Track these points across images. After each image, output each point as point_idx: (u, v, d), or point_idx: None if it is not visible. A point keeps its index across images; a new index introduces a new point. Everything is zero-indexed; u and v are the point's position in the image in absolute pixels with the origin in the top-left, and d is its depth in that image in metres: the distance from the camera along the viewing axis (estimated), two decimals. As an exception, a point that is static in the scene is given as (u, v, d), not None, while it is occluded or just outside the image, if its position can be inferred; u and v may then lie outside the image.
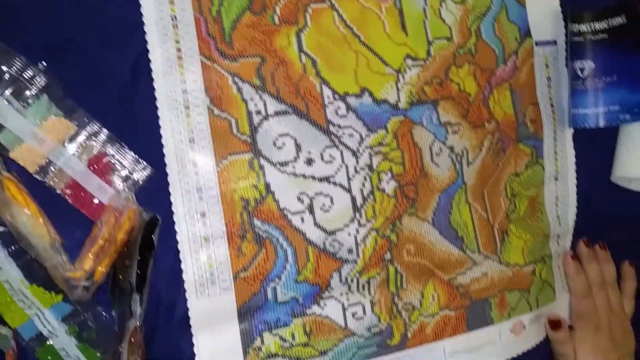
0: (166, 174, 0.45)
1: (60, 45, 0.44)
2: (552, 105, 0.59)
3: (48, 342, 0.44)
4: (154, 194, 0.46)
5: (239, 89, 0.47)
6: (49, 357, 0.44)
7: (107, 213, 0.44)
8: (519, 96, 0.57)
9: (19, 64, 0.41)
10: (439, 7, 0.54)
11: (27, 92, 0.42)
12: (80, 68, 0.45)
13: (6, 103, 0.41)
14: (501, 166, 0.56)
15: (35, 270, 0.43)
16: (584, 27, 0.57)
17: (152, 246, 0.44)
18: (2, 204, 0.41)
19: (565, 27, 0.59)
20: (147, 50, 0.45)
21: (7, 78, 0.41)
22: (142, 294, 0.43)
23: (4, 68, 0.41)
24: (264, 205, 0.47)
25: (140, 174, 0.46)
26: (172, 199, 0.45)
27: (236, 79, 0.47)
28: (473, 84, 0.55)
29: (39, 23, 0.44)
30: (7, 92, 0.41)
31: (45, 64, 0.42)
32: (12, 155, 0.42)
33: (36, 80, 0.42)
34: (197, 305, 0.45)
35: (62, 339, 0.44)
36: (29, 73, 0.42)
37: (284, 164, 0.48)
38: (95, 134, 0.44)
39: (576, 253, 0.59)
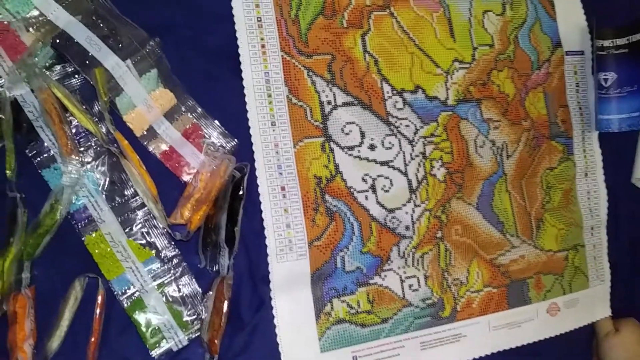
0: (251, 152, 0.58)
1: (161, 28, 0.57)
2: (580, 108, 0.74)
3: (138, 296, 0.55)
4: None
5: (313, 82, 0.61)
6: (137, 311, 0.55)
7: (202, 170, 0.56)
8: (551, 99, 0.72)
9: (141, 37, 0.54)
10: (482, 18, 0.69)
11: (144, 63, 0.54)
12: (178, 52, 0.58)
13: (127, 69, 0.53)
14: (537, 160, 0.70)
15: (133, 226, 0.55)
16: (607, 43, 0.73)
17: (242, 196, 0.56)
18: (118, 156, 0.53)
19: (591, 40, 0.74)
20: (237, 45, 0.59)
21: (131, 48, 0.53)
22: (231, 249, 0.55)
23: (129, 39, 0.53)
24: (334, 183, 0.60)
25: (228, 144, 0.58)
26: (257, 173, 0.58)
27: (311, 73, 0.61)
28: (511, 86, 0.70)
29: (143, 8, 0.57)
30: (129, 60, 0.53)
31: (159, 39, 0.56)
32: (125, 118, 0.55)
33: (152, 53, 0.55)
34: (277, 269, 0.57)
35: (151, 295, 0.55)
36: (148, 46, 0.54)
37: (350, 148, 0.62)
38: (191, 109, 0.57)
39: None
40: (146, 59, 0.54)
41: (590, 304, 0.72)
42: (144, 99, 0.53)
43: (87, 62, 0.50)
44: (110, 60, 0.51)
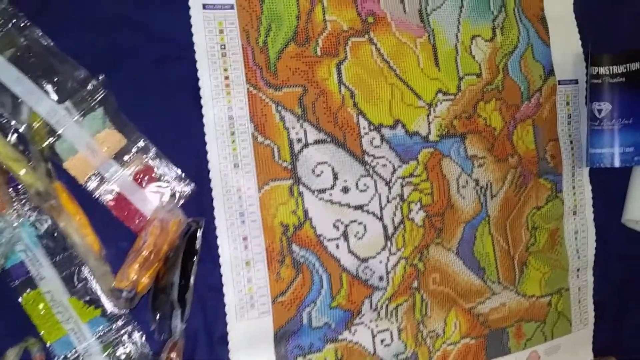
0: (210, 197, 0.54)
1: (114, 61, 0.53)
2: (571, 142, 0.70)
3: (82, 360, 0.52)
4: (199, 211, 0.54)
5: (282, 117, 0.57)
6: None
7: (152, 224, 0.52)
8: (541, 132, 0.68)
9: (82, 75, 0.49)
10: (470, 45, 0.65)
11: (86, 104, 0.50)
12: (131, 85, 0.53)
13: (66, 112, 0.48)
14: (523, 199, 0.67)
15: (76, 283, 0.51)
16: (602, 70, 0.69)
17: (195, 253, 0.52)
18: (55, 211, 0.49)
19: (586, 68, 0.71)
20: (197, 77, 0.54)
21: (69, 88, 0.49)
22: (184, 309, 0.51)
23: (68, 78, 0.48)
24: (302, 231, 0.57)
25: (184, 190, 0.54)
26: (216, 222, 0.54)
27: (280, 108, 0.57)
28: (499, 118, 0.66)
29: (97, 37, 0.52)
30: (68, 102, 0.49)
31: (104, 76, 0.51)
32: (65, 165, 0.50)
33: (95, 92, 0.50)
34: (237, 328, 0.54)
35: (96, 358, 0.52)
36: (89, 85, 0.50)
37: (321, 191, 0.58)
38: (143, 149, 0.53)
39: None
40: (89, 99, 0.49)
41: (572, 349, 0.70)
42: (87, 143, 0.49)
43: (18, 106, 0.45)
44: (44, 104, 0.46)
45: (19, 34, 0.46)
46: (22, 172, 0.47)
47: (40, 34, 0.47)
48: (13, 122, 0.46)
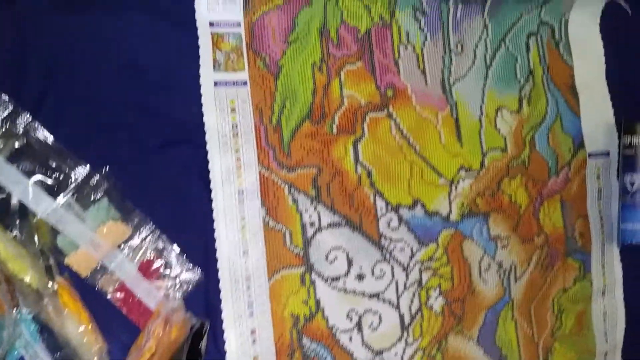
0: (217, 284, 0.53)
1: (120, 145, 0.51)
2: (601, 219, 0.68)
3: None
4: (206, 300, 0.53)
5: (295, 200, 0.55)
6: None
7: (155, 322, 0.50)
8: (569, 208, 0.66)
9: (85, 172, 0.48)
10: (495, 117, 0.63)
11: (88, 198, 0.49)
12: (138, 169, 0.52)
13: (65, 210, 0.47)
14: (549, 281, 0.65)
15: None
16: (636, 139, 0.67)
17: (199, 354, 0.51)
18: (54, 311, 0.48)
19: (619, 138, 0.68)
20: (207, 159, 0.53)
21: (71, 185, 0.48)
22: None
23: (70, 175, 0.47)
24: (313, 323, 0.55)
25: (191, 279, 0.52)
26: (222, 315, 0.52)
27: (292, 189, 0.55)
28: (524, 195, 0.64)
29: (101, 123, 0.51)
30: (69, 197, 0.47)
31: (107, 169, 0.49)
32: (66, 261, 0.49)
33: (98, 186, 0.49)
34: None
35: None
36: (92, 180, 0.48)
37: (335, 279, 0.56)
38: (149, 237, 0.51)
39: None
40: (92, 193, 0.47)
41: None
42: (89, 239, 0.47)
43: (15, 207, 0.44)
44: (43, 205, 0.45)
45: (19, 131, 0.44)
46: (22, 271, 0.45)
47: (41, 130, 0.46)
48: (15, 219, 0.45)
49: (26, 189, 0.44)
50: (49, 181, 0.45)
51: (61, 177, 0.46)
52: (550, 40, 0.66)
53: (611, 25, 0.68)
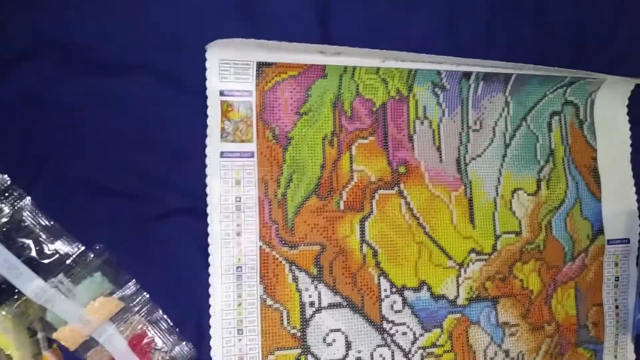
0: (210, 359, 0.50)
1: (115, 215, 0.50)
2: (616, 307, 0.64)
3: None
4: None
5: (295, 278, 0.53)
6: None
7: None
8: (584, 296, 0.62)
9: (77, 249, 0.46)
10: (511, 199, 0.60)
11: (80, 274, 0.47)
12: (139, 239, 0.50)
13: (56, 289, 0.45)
14: (557, 372, 0.61)
15: None
16: (659, 227, 0.63)
17: None
18: None
19: (640, 225, 0.64)
20: (207, 232, 0.51)
21: (62, 264, 0.46)
22: None
23: (62, 254, 0.46)
24: (306, 408, 0.52)
25: (183, 355, 0.50)
26: (214, 398, 0.50)
27: (293, 267, 0.53)
28: (537, 280, 0.60)
29: (97, 196, 0.49)
30: (60, 276, 0.46)
31: (102, 246, 0.48)
32: (54, 336, 0.47)
33: (92, 263, 0.47)
34: None
35: None
36: (86, 258, 0.47)
37: (331, 362, 0.53)
38: (143, 310, 0.49)
39: None
40: (84, 270, 0.46)
41: None
42: (78, 316, 0.45)
43: (4, 284, 0.42)
44: (31, 285, 0.43)
45: (10, 208, 0.43)
46: (7, 346, 0.44)
47: (34, 208, 0.44)
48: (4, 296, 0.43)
49: (16, 270, 0.42)
50: (40, 260, 0.43)
51: (53, 257, 0.44)
52: (575, 120, 0.63)
53: (639, 108, 0.64)
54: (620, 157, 0.64)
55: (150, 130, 0.51)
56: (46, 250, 0.44)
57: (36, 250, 0.43)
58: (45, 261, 0.43)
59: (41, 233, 0.43)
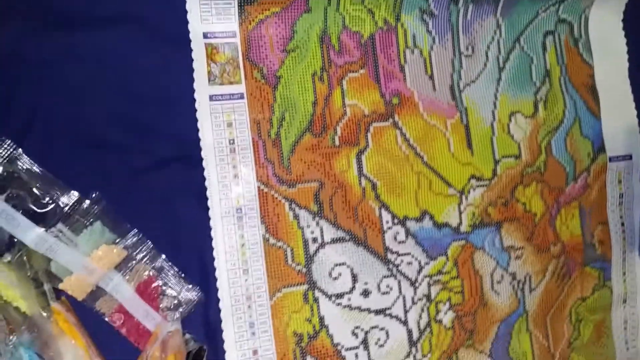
0: (217, 304, 0.50)
1: (109, 166, 0.49)
2: (622, 224, 0.63)
3: None
4: (206, 321, 0.51)
5: (296, 216, 0.52)
6: None
7: (153, 346, 0.49)
8: (588, 215, 0.61)
9: (73, 197, 0.46)
10: (508, 122, 0.58)
11: (79, 223, 0.46)
12: (135, 189, 0.49)
13: (55, 238, 0.45)
14: (566, 291, 0.60)
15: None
16: (661, 141, 0.61)
17: None
18: (48, 340, 0.46)
19: (642, 138, 0.63)
20: (203, 176, 0.50)
21: (60, 211, 0.45)
22: None
23: (58, 202, 0.45)
24: (317, 341, 0.52)
25: (190, 299, 0.50)
26: (223, 335, 0.50)
27: (293, 205, 0.52)
28: (540, 203, 0.59)
29: (90, 146, 0.48)
30: (60, 224, 0.45)
31: (97, 193, 0.47)
32: (60, 286, 0.47)
33: (89, 211, 0.47)
34: None
35: None
36: (83, 205, 0.46)
37: (339, 295, 0.53)
38: (147, 257, 0.49)
39: None
40: (82, 219, 0.45)
41: None
42: (82, 264, 0.45)
43: (4, 236, 0.42)
44: (31, 234, 0.42)
45: (2, 160, 0.42)
46: (15, 299, 0.44)
47: (26, 158, 0.43)
48: (5, 248, 0.43)
49: (13, 220, 0.42)
50: (37, 210, 0.43)
51: (49, 206, 0.44)
52: (569, 38, 0.61)
53: (635, 22, 0.62)
54: (618, 72, 0.62)
55: (137, 81, 0.50)
56: (42, 200, 0.43)
57: (32, 200, 0.43)
58: (42, 210, 0.43)
59: (35, 183, 0.43)
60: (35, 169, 0.44)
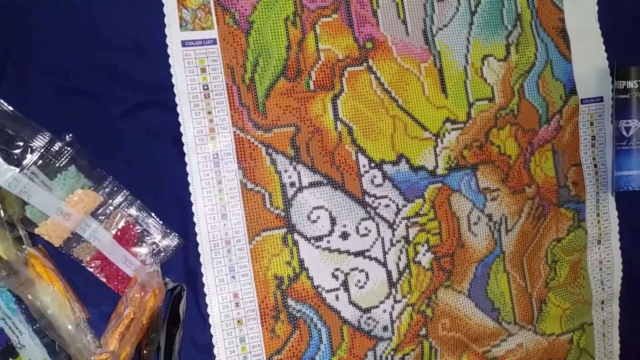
0: (196, 249, 0.50)
1: (85, 112, 0.48)
2: (595, 166, 0.63)
3: None
4: (186, 266, 0.50)
5: (273, 161, 0.51)
6: None
7: (132, 289, 0.48)
8: (562, 157, 0.61)
9: (45, 138, 0.44)
10: (481, 66, 0.58)
11: (53, 166, 0.45)
12: (107, 136, 0.48)
13: (29, 180, 0.44)
14: (542, 232, 0.60)
15: (58, 350, 0.47)
16: (630, 84, 0.61)
17: (179, 319, 0.48)
18: (25, 283, 0.45)
19: (612, 83, 0.63)
20: (178, 122, 0.49)
21: (32, 153, 0.44)
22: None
23: (30, 143, 0.44)
24: (298, 283, 0.52)
25: (169, 245, 0.49)
26: (204, 279, 0.49)
27: (270, 150, 0.51)
28: (514, 145, 0.59)
29: (65, 89, 0.47)
30: (33, 167, 0.44)
31: (71, 135, 0.46)
32: (36, 231, 0.46)
33: (63, 152, 0.45)
34: (229, 390, 0.50)
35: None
36: (55, 146, 0.45)
37: (318, 238, 0.52)
38: (124, 204, 0.48)
39: None
40: (55, 161, 0.44)
41: (596, 386, 0.65)
42: (58, 208, 0.44)
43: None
44: (4, 175, 0.41)
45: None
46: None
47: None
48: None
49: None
50: (9, 150, 0.42)
51: (21, 146, 0.42)
52: (539, -19, 0.60)
53: (603, -37, 0.62)
54: (588, 15, 0.62)
55: (109, 28, 0.48)
56: (14, 142, 0.42)
57: (3, 140, 0.41)
58: (15, 151, 0.42)
59: (6, 123, 0.42)
60: (6, 108, 0.42)
